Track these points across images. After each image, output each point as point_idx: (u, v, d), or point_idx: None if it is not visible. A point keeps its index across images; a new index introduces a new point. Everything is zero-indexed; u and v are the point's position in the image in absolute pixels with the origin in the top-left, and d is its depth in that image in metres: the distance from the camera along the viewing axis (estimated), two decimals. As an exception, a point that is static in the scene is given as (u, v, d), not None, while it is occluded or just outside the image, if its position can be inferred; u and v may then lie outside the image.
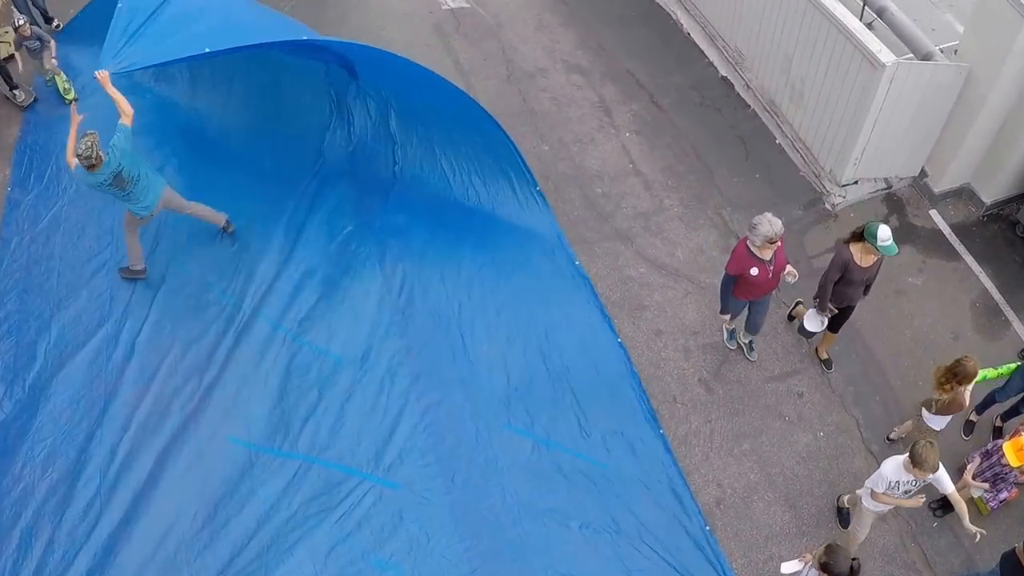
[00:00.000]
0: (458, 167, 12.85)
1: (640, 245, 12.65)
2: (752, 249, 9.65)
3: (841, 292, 10.08)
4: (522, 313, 11.36)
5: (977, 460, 9.78)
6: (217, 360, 10.86)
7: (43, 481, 9.74)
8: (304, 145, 13.02)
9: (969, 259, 12.67)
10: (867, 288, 10.28)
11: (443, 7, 17.26)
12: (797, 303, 11.63)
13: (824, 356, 11.35)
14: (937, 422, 9.74)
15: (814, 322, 10.58)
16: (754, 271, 9.69)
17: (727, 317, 10.61)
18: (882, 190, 13.28)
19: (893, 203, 13.36)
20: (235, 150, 12.92)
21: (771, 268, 9.80)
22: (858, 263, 9.68)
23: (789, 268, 10.07)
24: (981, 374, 9.49)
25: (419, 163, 12.99)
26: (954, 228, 13.06)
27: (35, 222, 11.94)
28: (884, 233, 9.37)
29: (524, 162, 12.64)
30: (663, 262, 12.46)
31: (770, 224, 9.35)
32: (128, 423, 10.23)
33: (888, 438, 10.79)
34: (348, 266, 11.80)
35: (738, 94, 14.87)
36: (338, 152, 13.06)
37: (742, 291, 10.18)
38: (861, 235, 9.61)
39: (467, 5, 17.32)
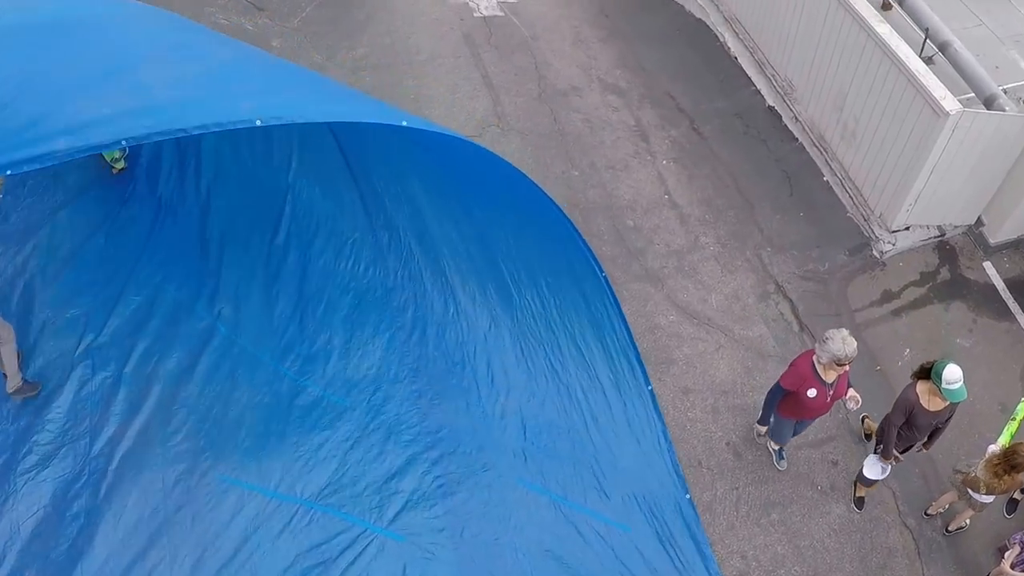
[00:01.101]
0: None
1: (671, 288, 12.11)
2: (816, 367, 8.74)
3: (907, 436, 9.10)
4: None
5: (1017, 549, 9.22)
6: (210, 395, 10.31)
7: (28, 521, 9.25)
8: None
9: (1022, 319, 12.05)
10: (934, 434, 9.24)
11: (475, 14, 16.82)
12: (864, 418, 10.83)
13: (860, 494, 10.41)
14: (985, 499, 9.21)
15: (874, 469, 9.58)
16: (812, 392, 8.77)
17: (763, 429, 9.83)
18: (934, 238, 12.73)
19: (945, 252, 12.79)
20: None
21: (831, 392, 8.84)
22: (925, 406, 8.66)
23: (851, 392, 9.04)
24: None
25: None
26: (1008, 283, 12.49)
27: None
28: (952, 374, 8.25)
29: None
30: (695, 309, 11.91)
31: (843, 344, 8.33)
32: (111, 456, 9.73)
33: (926, 513, 10.26)
34: (359, 301, 11.27)
35: (785, 126, 14.31)
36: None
37: (789, 409, 9.29)
38: (928, 372, 8.59)
39: (501, 14, 16.86)
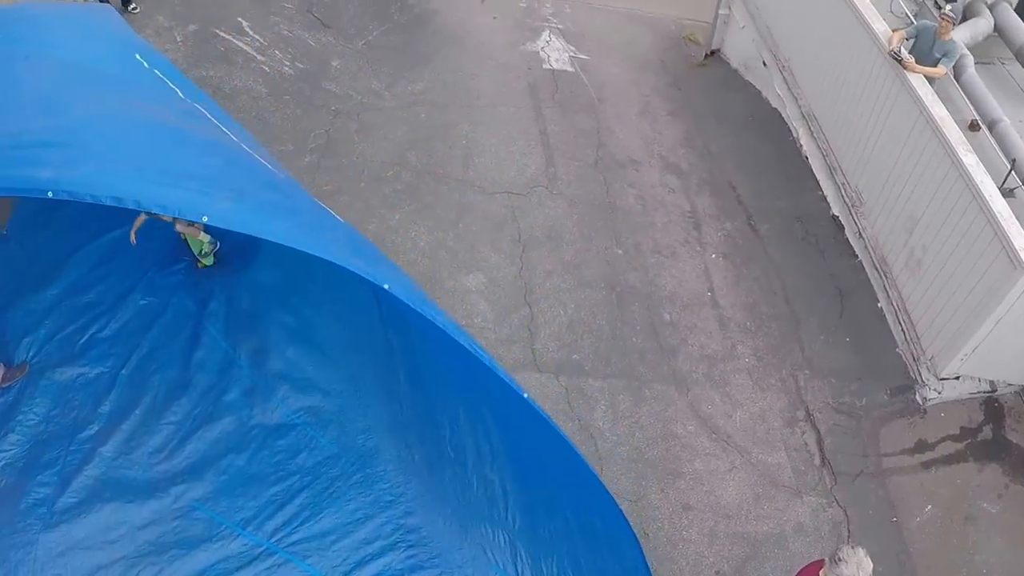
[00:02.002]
0: None
1: (696, 396, 11.50)
2: None
3: None
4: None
5: None
6: (200, 417, 10.18)
7: None
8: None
9: (1060, 494, 11.35)
10: None
11: (544, 66, 16.43)
12: None
13: None
14: None
15: None
16: None
17: None
18: (983, 392, 12.01)
19: (991, 410, 12.06)
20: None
21: None
22: None
23: None
24: None
25: None
26: (1054, 453, 11.75)
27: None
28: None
29: None
30: (716, 424, 11.29)
31: (858, 569, 7.66)
32: (90, 455, 9.66)
33: None
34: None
35: (847, 239, 13.66)
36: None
37: None
38: None
39: (571, 69, 16.43)
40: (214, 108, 10.17)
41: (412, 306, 7.02)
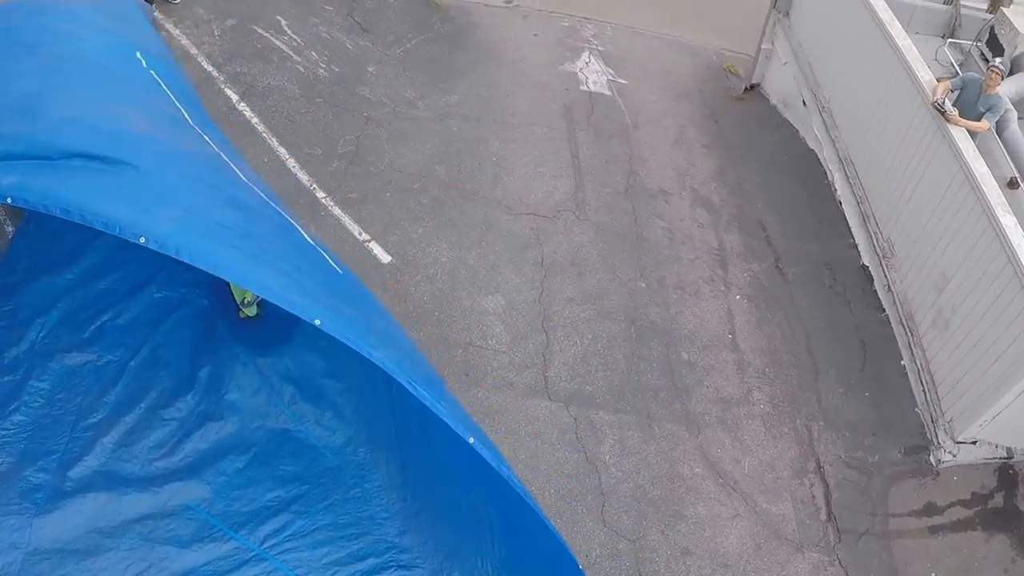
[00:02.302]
0: None
1: (707, 439, 11.38)
2: None
3: None
4: None
5: None
6: (204, 414, 10.18)
7: None
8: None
9: (1071, 572, 11.15)
10: None
11: (582, 87, 16.35)
12: None
13: None
14: None
15: None
16: None
17: None
18: (999, 458, 11.84)
19: (1005, 477, 11.89)
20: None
21: None
22: None
23: None
24: None
25: None
26: (1068, 528, 11.57)
27: None
28: None
29: None
30: (724, 468, 11.16)
31: None
32: (89, 447, 9.64)
33: None
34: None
35: (875, 291, 13.51)
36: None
37: None
38: None
39: (608, 93, 16.35)
40: (199, 114, 10.22)
41: (347, 343, 7.00)
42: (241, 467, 9.89)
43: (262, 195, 9.40)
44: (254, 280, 7.35)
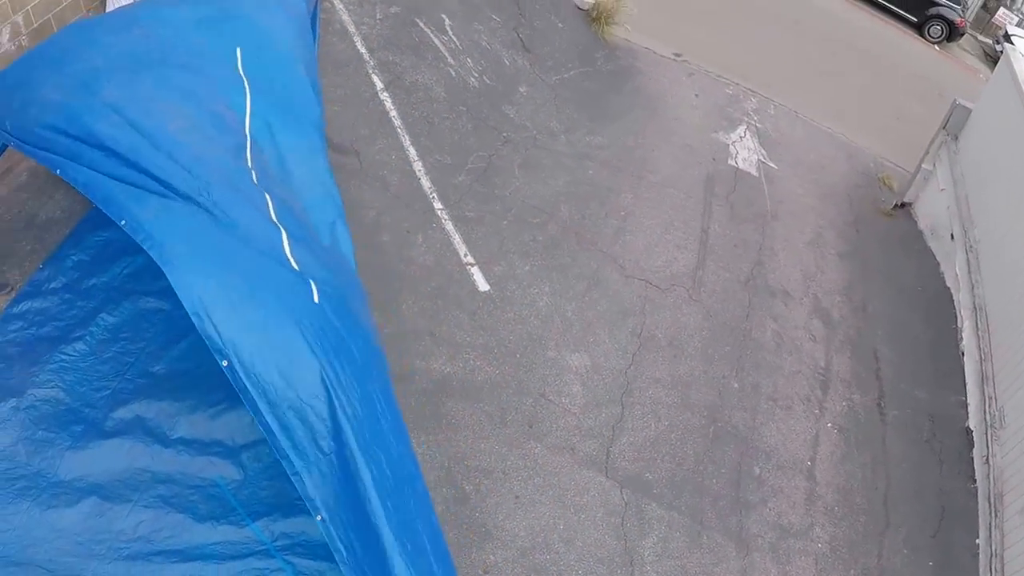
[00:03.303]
0: None
1: (753, 563, 11.19)
2: None
3: None
4: None
5: None
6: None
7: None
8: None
9: None
10: None
11: (729, 161, 16.31)
12: None
13: None
14: None
15: None
16: None
17: None
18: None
19: None
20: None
21: None
22: None
23: None
24: None
25: None
26: None
27: None
28: None
29: None
30: (764, 604, 11.00)
31: None
32: (138, 394, 9.82)
33: None
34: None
35: (971, 458, 13.19)
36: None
37: None
38: None
39: (754, 174, 16.25)
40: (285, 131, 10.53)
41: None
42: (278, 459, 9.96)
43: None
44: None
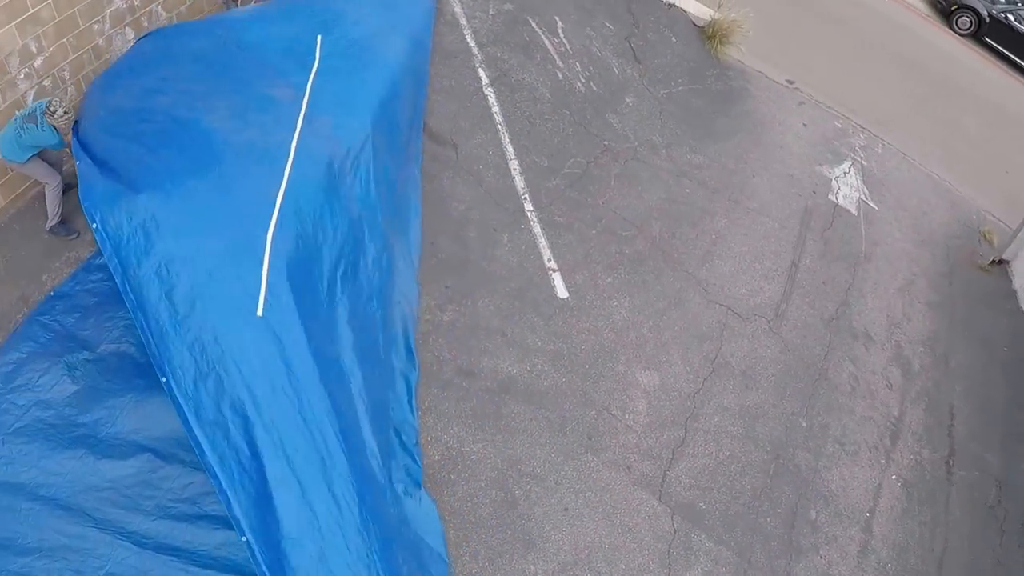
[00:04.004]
0: None
1: (791, 609, 10.93)
2: None
3: None
4: None
5: None
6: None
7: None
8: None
9: None
10: None
11: (829, 196, 15.90)
12: None
13: None
14: None
15: None
16: None
17: None
18: None
19: None
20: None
21: None
22: None
23: None
24: None
25: None
26: None
27: None
28: None
29: None
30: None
31: None
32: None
33: None
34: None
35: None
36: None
37: None
38: None
39: (853, 212, 15.83)
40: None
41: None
42: None
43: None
44: None
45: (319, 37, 11.07)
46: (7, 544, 8.41)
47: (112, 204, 8.62)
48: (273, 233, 8.74)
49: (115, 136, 9.44)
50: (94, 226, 8.53)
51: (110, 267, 8.43)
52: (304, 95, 10.22)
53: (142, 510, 8.85)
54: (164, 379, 7.79)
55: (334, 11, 11.73)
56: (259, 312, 8.21)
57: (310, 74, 10.57)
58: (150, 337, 8.15)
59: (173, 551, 8.67)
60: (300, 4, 11.88)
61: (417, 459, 9.88)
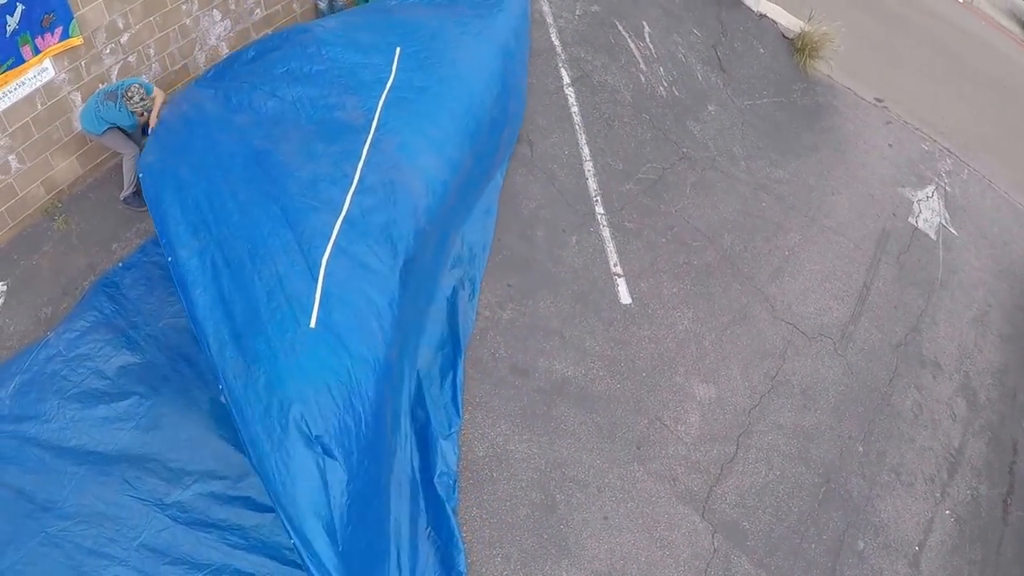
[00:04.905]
0: None
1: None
2: None
3: None
4: None
5: None
6: None
7: None
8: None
9: None
10: None
11: (909, 219, 15.41)
12: None
13: None
14: None
15: None
16: None
17: None
18: None
19: None
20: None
21: None
22: None
23: None
24: None
25: None
26: None
27: None
28: None
29: None
30: None
31: None
32: None
33: None
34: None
35: (1091, 581, 12.17)
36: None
37: None
38: None
39: (932, 237, 15.32)
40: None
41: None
42: None
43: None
44: None
45: (398, 50, 10.94)
46: (49, 506, 8.52)
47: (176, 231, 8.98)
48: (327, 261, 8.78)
49: (190, 152, 9.76)
50: (169, 259, 8.84)
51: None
52: (374, 117, 10.16)
53: (182, 484, 8.85)
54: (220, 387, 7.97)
55: (414, 22, 11.56)
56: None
57: (384, 90, 10.48)
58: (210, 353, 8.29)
59: (207, 527, 8.65)
60: (382, 15, 11.74)
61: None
